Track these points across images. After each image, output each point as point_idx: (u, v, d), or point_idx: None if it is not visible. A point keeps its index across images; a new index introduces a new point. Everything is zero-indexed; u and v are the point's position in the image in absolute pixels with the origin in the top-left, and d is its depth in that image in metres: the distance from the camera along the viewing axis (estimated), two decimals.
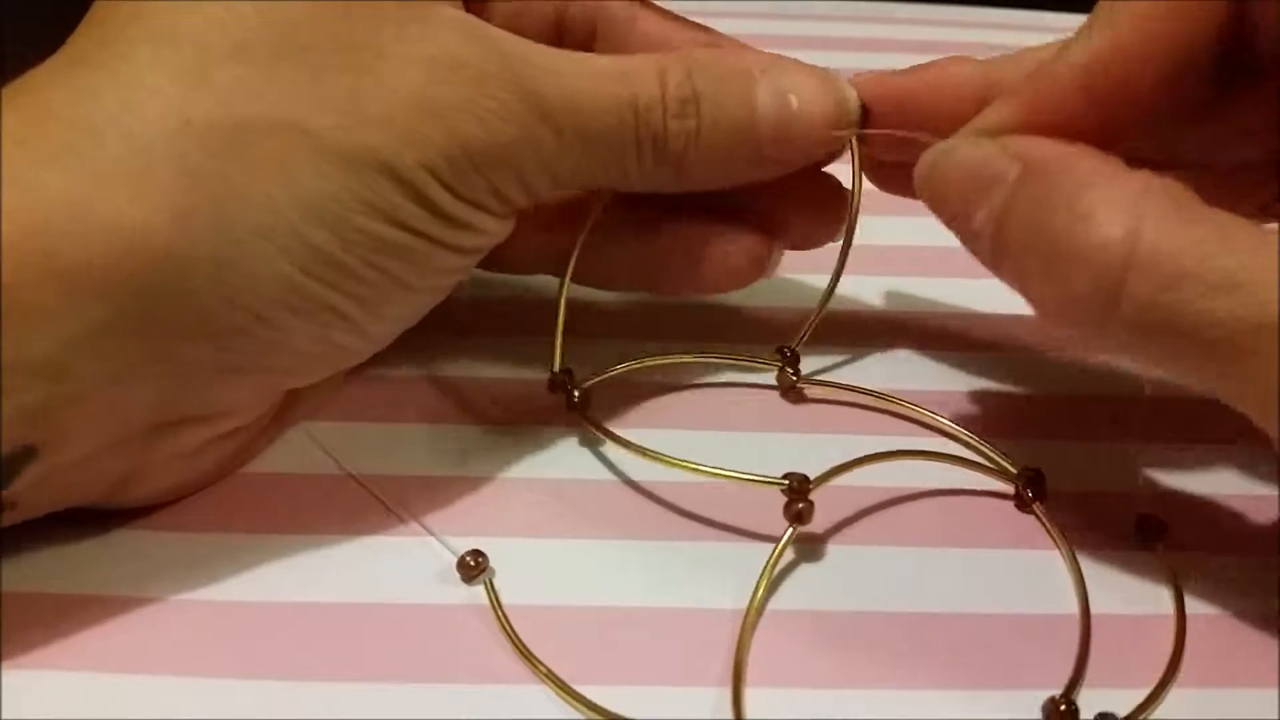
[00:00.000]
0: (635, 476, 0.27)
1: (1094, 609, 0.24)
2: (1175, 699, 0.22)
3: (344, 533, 0.25)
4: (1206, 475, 0.27)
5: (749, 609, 0.22)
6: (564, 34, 0.28)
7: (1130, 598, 0.24)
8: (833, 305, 0.29)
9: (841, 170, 0.29)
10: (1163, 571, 0.25)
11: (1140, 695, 0.22)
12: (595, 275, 0.29)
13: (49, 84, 0.22)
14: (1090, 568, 0.25)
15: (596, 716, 0.21)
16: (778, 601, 0.24)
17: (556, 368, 0.28)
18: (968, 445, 0.28)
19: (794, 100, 0.26)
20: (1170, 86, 0.23)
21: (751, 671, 0.22)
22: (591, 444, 0.28)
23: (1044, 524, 0.26)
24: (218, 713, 0.21)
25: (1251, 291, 0.19)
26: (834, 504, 0.26)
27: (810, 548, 0.25)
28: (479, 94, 0.23)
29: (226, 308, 0.22)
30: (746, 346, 0.30)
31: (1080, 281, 0.21)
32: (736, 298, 0.31)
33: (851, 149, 0.27)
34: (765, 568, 0.23)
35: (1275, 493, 0.27)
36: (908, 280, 0.34)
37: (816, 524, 0.24)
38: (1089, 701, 0.22)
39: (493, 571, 0.24)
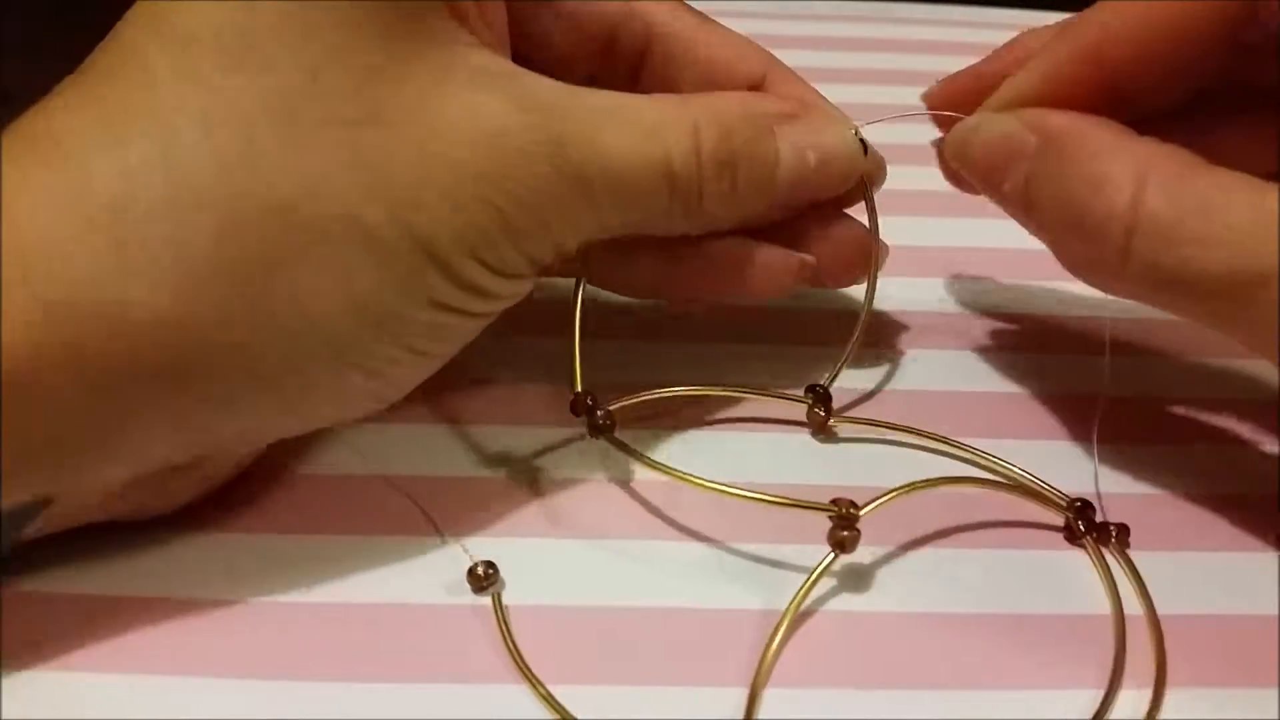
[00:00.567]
0: (660, 498, 0.26)
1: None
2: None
3: (366, 533, 0.25)
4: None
5: (777, 629, 0.22)
6: (616, 48, 0.28)
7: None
8: (863, 344, 0.29)
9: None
10: None
11: None
12: (613, 282, 0.29)
13: (87, 151, 0.20)
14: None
15: None
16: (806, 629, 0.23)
17: (579, 387, 0.26)
18: (1010, 478, 0.27)
19: (811, 157, 0.26)
20: (1181, 54, 0.24)
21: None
22: (618, 461, 0.27)
23: (1092, 556, 0.25)
24: (215, 712, 0.21)
25: (1248, 245, 0.21)
26: (875, 531, 0.24)
27: (849, 578, 0.25)
28: (521, 170, 0.23)
29: (253, 389, 0.22)
30: (771, 379, 0.29)
31: (1094, 245, 0.23)
32: (766, 334, 0.31)
33: (867, 197, 0.28)
34: (798, 594, 0.23)
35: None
36: (940, 314, 0.33)
37: (859, 553, 0.24)
38: None
39: (503, 584, 0.24)
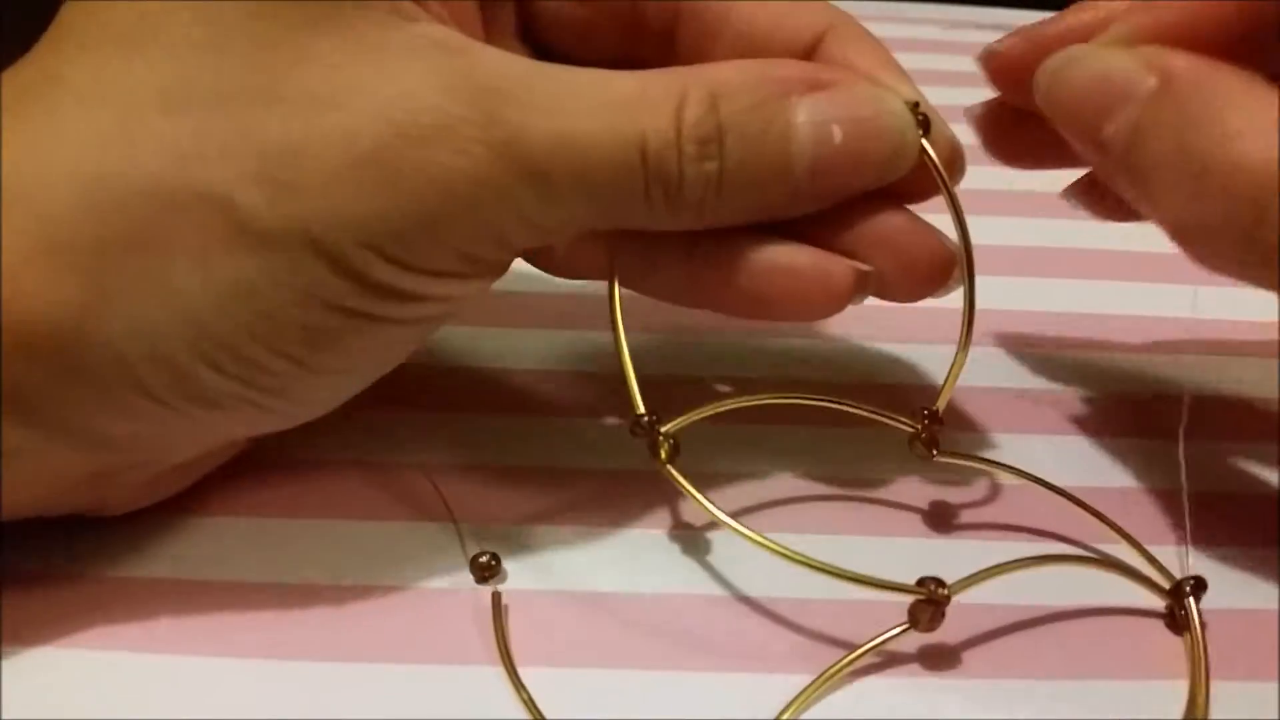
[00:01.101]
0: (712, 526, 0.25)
1: None
2: None
3: (376, 519, 0.25)
4: None
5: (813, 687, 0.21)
6: (642, 25, 0.25)
7: None
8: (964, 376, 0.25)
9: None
10: None
11: None
12: (640, 286, 0.25)
13: None
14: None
15: None
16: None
17: (640, 409, 0.23)
18: (1120, 546, 0.24)
19: (837, 133, 0.22)
20: None
21: None
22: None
23: (1196, 649, 0.22)
24: (208, 691, 0.21)
25: None
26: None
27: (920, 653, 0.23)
28: (443, 151, 0.20)
29: (133, 394, 0.20)
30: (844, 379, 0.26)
31: (1226, 202, 0.20)
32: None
33: (939, 179, 0.23)
34: (850, 655, 0.22)
35: None
36: (1054, 350, 0.31)
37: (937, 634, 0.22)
38: None
39: (504, 575, 0.24)
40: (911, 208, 0.24)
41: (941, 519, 0.26)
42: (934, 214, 0.24)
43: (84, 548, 0.24)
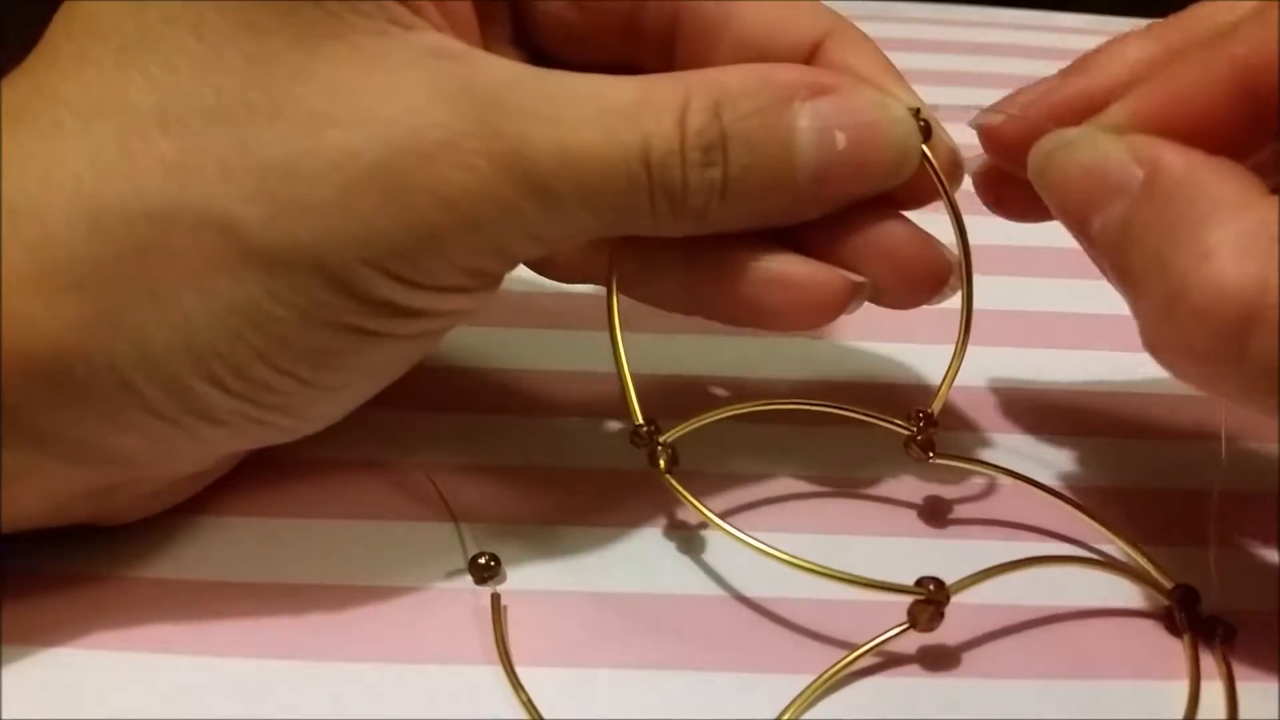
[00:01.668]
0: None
1: None
2: None
3: (378, 518, 0.25)
4: None
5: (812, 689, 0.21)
6: (641, 28, 0.24)
7: None
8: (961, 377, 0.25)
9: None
10: None
11: None
12: (639, 294, 0.25)
13: None
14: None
15: None
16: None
17: (638, 419, 0.23)
18: (1118, 548, 0.24)
19: (841, 139, 0.22)
20: None
21: None
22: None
23: (1200, 654, 0.22)
24: (208, 691, 0.22)
25: None
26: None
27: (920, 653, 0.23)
28: (447, 167, 0.19)
29: (137, 411, 0.20)
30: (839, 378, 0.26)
31: (1196, 329, 0.18)
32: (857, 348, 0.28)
33: (940, 186, 0.23)
34: (848, 657, 0.22)
35: None
36: (1050, 352, 0.31)
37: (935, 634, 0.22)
38: None
39: (504, 576, 0.24)
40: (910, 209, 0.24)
41: (941, 519, 0.26)
42: (930, 215, 0.24)
43: (85, 548, 0.24)
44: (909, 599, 0.22)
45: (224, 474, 0.25)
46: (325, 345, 0.20)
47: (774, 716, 0.21)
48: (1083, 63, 0.24)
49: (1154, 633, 0.23)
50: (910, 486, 0.27)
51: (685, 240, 0.23)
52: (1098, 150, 0.21)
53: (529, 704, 0.21)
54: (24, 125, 0.20)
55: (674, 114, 0.21)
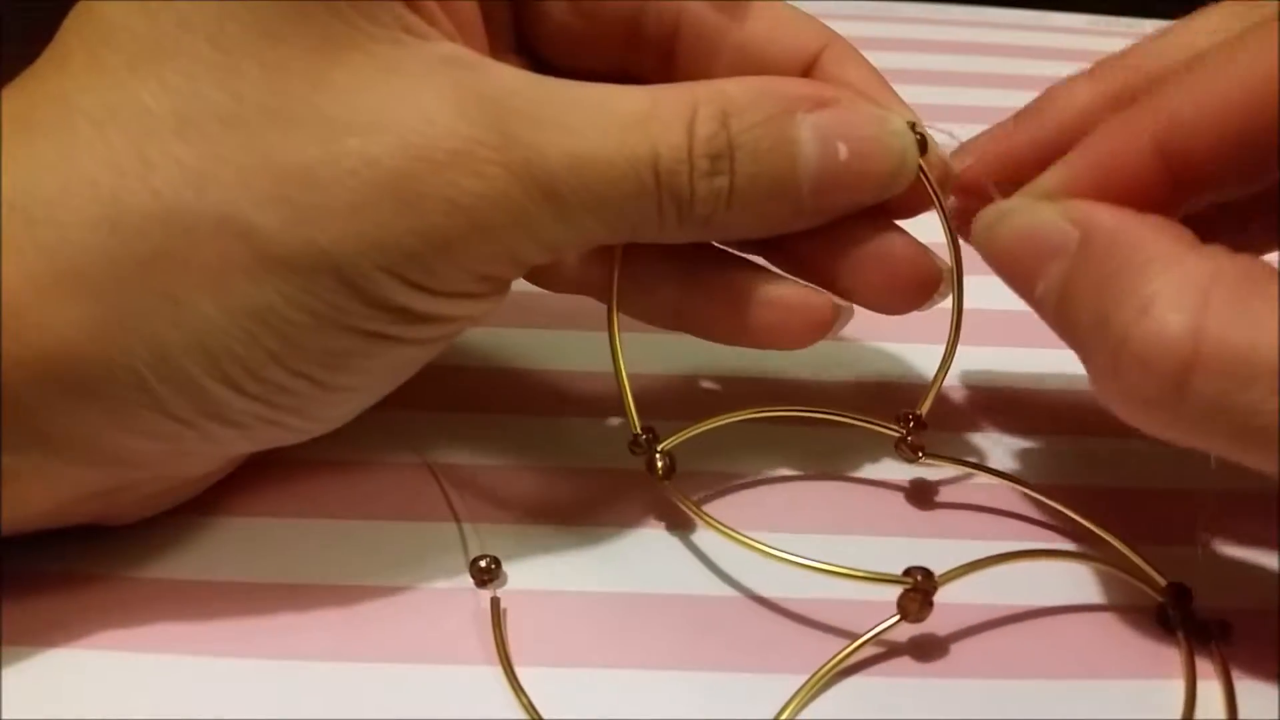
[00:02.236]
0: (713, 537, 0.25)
1: None
2: None
3: (381, 518, 0.25)
4: None
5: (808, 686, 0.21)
6: (642, 35, 0.25)
7: None
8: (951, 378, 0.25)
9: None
10: None
11: None
12: (638, 313, 0.26)
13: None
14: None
15: None
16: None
17: (637, 429, 0.24)
18: (1110, 547, 0.24)
19: (842, 150, 0.22)
20: (1265, 146, 0.20)
21: None
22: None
23: (1187, 651, 0.23)
24: (208, 691, 0.22)
25: None
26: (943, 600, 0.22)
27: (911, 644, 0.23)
28: (462, 174, 0.20)
29: (152, 413, 0.20)
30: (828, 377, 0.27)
31: (1140, 378, 0.19)
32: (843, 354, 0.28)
33: (935, 198, 0.24)
34: (844, 651, 0.22)
35: None
36: (1036, 351, 0.31)
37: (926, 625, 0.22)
38: None
39: (504, 578, 0.24)
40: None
41: (932, 522, 0.26)
42: (919, 221, 0.25)
43: (87, 548, 0.24)
44: (901, 594, 0.22)
45: (225, 475, 0.25)
46: (339, 348, 0.21)
47: (772, 716, 0.21)
48: (1035, 108, 0.25)
49: (1146, 631, 0.24)
50: (901, 488, 0.27)
51: (679, 260, 0.24)
52: (1035, 216, 0.21)
53: (529, 706, 0.21)
54: (38, 131, 0.20)
55: (682, 123, 0.21)
